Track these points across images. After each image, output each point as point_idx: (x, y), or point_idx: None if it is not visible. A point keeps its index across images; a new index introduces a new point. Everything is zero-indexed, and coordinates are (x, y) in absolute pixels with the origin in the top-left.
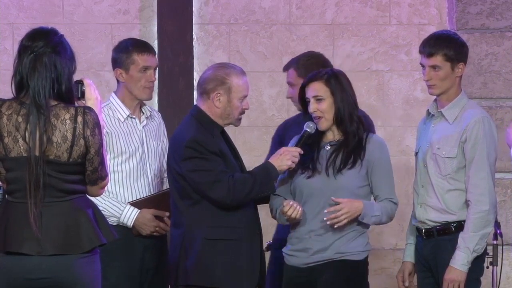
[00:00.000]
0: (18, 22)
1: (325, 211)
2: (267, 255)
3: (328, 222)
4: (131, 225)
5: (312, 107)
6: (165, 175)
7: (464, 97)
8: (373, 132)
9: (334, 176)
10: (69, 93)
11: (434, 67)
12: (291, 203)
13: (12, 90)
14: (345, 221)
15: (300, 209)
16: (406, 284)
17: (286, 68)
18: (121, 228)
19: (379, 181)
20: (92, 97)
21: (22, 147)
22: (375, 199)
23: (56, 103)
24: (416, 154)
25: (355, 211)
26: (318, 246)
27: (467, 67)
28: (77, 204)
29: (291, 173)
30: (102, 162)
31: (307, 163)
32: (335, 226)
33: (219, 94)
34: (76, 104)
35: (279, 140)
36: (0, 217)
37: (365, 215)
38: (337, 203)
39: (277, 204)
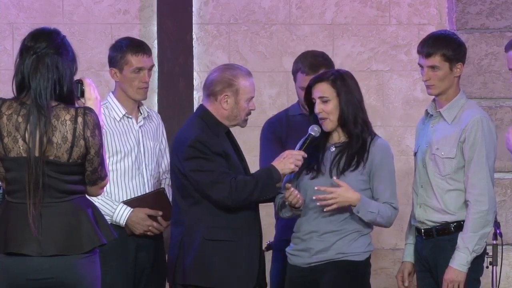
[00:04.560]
0: (18, 22)
1: (316, 188)
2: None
3: (317, 203)
4: (124, 224)
5: (318, 108)
6: (164, 176)
7: (462, 97)
8: None
9: (337, 177)
10: (70, 94)
11: (432, 67)
12: (292, 189)
13: (12, 90)
14: (334, 206)
15: (299, 197)
16: (406, 284)
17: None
18: (114, 227)
19: (380, 185)
20: (91, 97)
21: (21, 148)
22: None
23: (56, 103)
24: (415, 154)
25: (347, 200)
26: (320, 246)
27: (467, 67)
28: (77, 204)
29: (297, 174)
30: (101, 163)
31: (313, 164)
32: (324, 210)
33: (226, 96)
34: (76, 104)
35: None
36: (0, 218)
37: (360, 208)
38: (336, 185)
39: (279, 199)
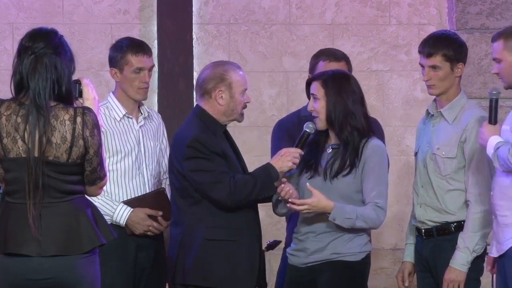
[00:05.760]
0: (18, 22)
1: (292, 198)
2: (274, 254)
3: (287, 205)
4: (124, 224)
5: (309, 105)
6: (164, 176)
7: (463, 97)
8: (382, 140)
9: (330, 180)
10: (68, 94)
11: (433, 67)
12: (283, 185)
13: (11, 90)
14: (305, 212)
15: (292, 192)
16: (406, 284)
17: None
18: (115, 227)
19: (367, 184)
20: (90, 97)
21: (21, 148)
22: (363, 202)
23: (55, 103)
24: (416, 154)
25: (319, 209)
26: (316, 246)
27: (467, 67)
28: (76, 204)
29: (299, 172)
30: (100, 163)
31: (311, 162)
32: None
33: (221, 91)
34: (75, 105)
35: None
36: None
37: (335, 215)
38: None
39: (275, 196)
